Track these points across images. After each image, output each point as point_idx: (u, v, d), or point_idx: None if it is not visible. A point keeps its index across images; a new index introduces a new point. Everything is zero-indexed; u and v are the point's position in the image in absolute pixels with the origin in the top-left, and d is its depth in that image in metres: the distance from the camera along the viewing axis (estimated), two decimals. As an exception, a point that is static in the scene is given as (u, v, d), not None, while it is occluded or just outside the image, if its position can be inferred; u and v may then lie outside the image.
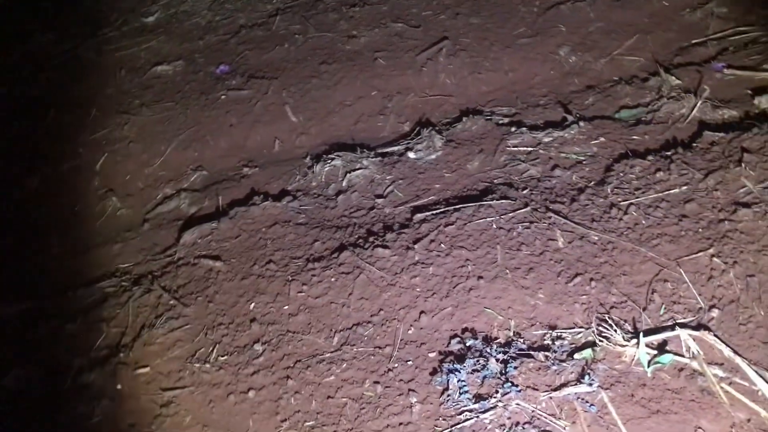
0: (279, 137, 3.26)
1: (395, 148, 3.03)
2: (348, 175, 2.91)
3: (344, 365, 2.21)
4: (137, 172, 3.29)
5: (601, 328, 2.08)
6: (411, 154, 2.96)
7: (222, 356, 2.31)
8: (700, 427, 1.85)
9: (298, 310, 2.40)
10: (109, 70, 3.82)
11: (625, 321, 2.10)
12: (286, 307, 2.41)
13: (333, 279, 2.45)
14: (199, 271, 2.62)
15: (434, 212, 2.60)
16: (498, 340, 2.15)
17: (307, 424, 2.09)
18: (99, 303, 2.61)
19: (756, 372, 1.89)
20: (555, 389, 1.98)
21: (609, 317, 2.11)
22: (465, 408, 2.01)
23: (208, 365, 2.29)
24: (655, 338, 2.01)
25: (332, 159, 2.99)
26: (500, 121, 3.01)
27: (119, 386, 2.30)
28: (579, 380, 1.98)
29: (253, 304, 2.45)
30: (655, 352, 1.99)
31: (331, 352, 2.26)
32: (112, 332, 2.49)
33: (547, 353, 2.07)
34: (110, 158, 3.37)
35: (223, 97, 3.47)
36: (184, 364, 2.32)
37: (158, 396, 2.25)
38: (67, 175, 3.34)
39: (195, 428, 2.15)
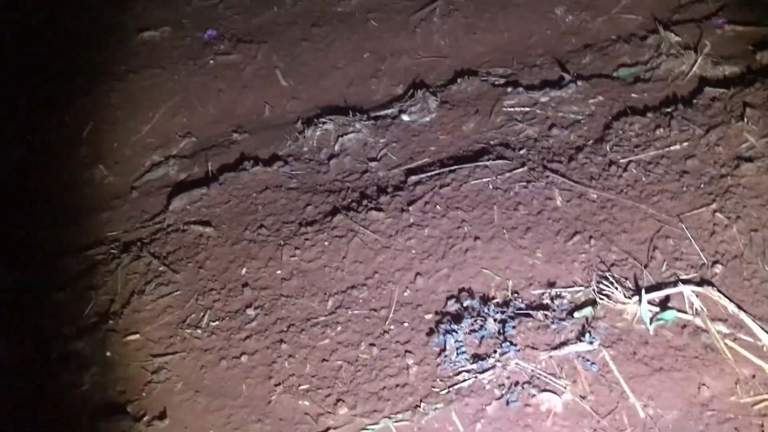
0: (269, 102, 3.19)
1: (388, 111, 2.96)
2: (340, 139, 2.85)
3: (339, 328, 2.16)
4: (125, 139, 3.21)
5: (601, 285, 2.03)
6: (405, 117, 2.89)
7: (213, 322, 2.26)
8: (704, 384, 1.81)
9: (291, 274, 2.34)
10: (94, 37, 3.71)
11: (626, 278, 2.05)
12: (279, 272, 2.36)
13: (326, 243, 2.39)
14: (188, 238, 2.56)
15: (429, 174, 2.54)
16: (496, 300, 2.10)
17: (302, 387, 2.04)
18: (87, 271, 2.55)
19: (761, 327, 1.85)
20: (555, 348, 1.94)
21: (609, 275, 2.06)
22: (462, 368, 1.96)
23: (199, 331, 2.24)
24: (658, 295, 1.96)
25: (324, 123, 2.92)
26: (496, 82, 2.94)
27: (108, 354, 2.25)
28: (579, 339, 1.93)
29: (244, 269, 2.39)
30: (658, 309, 1.94)
31: (326, 315, 2.21)
32: (101, 300, 2.43)
33: (546, 312, 2.02)
34: (97, 126, 3.28)
35: (211, 62, 3.38)
36: (174, 331, 2.26)
37: (149, 363, 2.20)
38: (53, 144, 3.26)
39: (187, 394, 2.10)
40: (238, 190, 2.70)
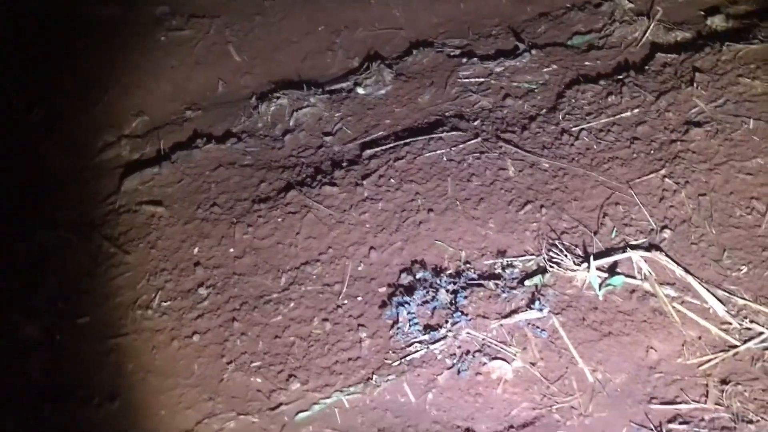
0: (222, 78, 3.13)
1: (344, 85, 2.92)
2: (295, 113, 2.81)
3: (292, 305, 2.15)
4: (76, 119, 3.13)
5: (551, 253, 2.03)
6: (360, 90, 2.86)
7: (165, 302, 2.23)
8: (651, 347, 1.82)
9: (244, 252, 2.31)
10: (43, 14, 3.61)
11: (576, 246, 2.06)
12: (232, 250, 2.33)
13: (280, 219, 2.37)
14: (140, 218, 2.52)
15: (384, 147, 2.52)
16: (448, 271, 2.09)
17: (254, 364, 2.03)
18: (37, 254, 2.50)
19: (707, 290, 1.87)
20: (505, 316, 1.94)
21: (560, 243, 2.06)
22: (415, 340, 1.96)
23: (150, 312, 2.21)
24: (606, 261, 1.97)
25: (278, 98, 2.87)
26: (451, 53, 2.92)
27: (59, 337, 2.21)
28: (529, 306, 1.94)
29: (197, 249, 2.36)
30: (606, 275, 1.95)
31: (279, 292, 2.19)
32: (50, 283, 2.38)
33: (497, 282, 2.02)
34: (47, 106, 3.20)
35: (162, 39, 3.30)
36: (125, 312, 2.23)
37: (99, 345, 2.17)
38: (1, 125, 3.17)
39: (138, 375, 2.07)
40: (191, 168, 2.66)
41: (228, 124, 2.88)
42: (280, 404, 1.94)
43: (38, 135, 3.12)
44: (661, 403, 1.73)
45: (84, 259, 2.43)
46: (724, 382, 1.72)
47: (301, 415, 1.91)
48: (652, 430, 1.69)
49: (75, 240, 2.50)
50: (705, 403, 1.70)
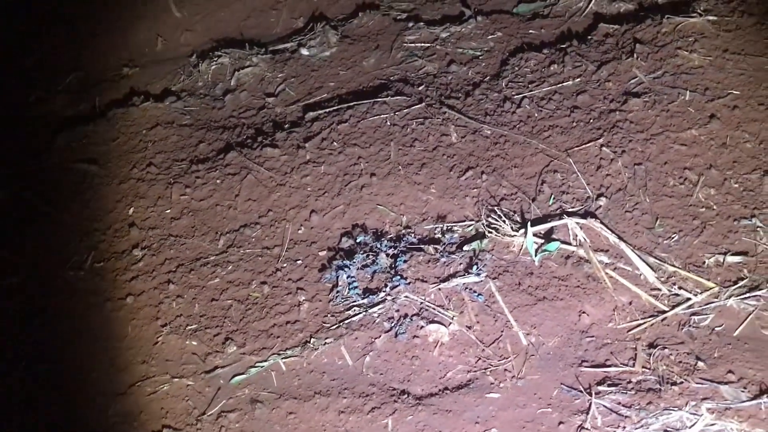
0: (162, 34, 3.03)
1: (287, 45, 2.86)
2: (236, 73, 2.74)
3: (230, 267, 2.12)
4: (8, 73, 3.00)
5: (490, 219, 2.05)
6: (304, 51, 2.81)
7: (98, 263, 2.17)
8: (584, 312, 1.87)
9: (181, 213, 2.27)
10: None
11: (515, 212, 2.08)
12: (168, 211, 2.28)
13: (218, 181, 2.32)
14: (73, 176, 2.44)
15: (327, 110, 2.48)
16: (389, 236, 2.10)
17: (189, 327, 2.00)
18: (-38, 212, 2.40)
19: (639, 256, 1.91)
20: (443, 280, 1.95)
21: (499, 209, 2.08)
22: (354, 303, 1.96)
23: (82, 273, 2.15)
24: (543, 227, 2.00)
25: (219, 57, 2.80)
26: (398, 17, 2.88)
27: (-15, 298, 2.14)
28: (467, 271, 1.95)
29: (132, 209, 2.30)
30: (543, 241, 1.98)
31: (216, 254, 2.15)
32: (-23, 242, 2.29)
33: (436, 246, 2.03)
34: (-25, 59, 3.05)
35: (99, -9, 3.17)
36: (56, 272, 2.16)
37: (29, 305, 2.10)
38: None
39: (69, 337, 2.02)
40: (127, 126, 2.58)
41: (167, 82, 2.80)
42: (216, 367, 1.92)
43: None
44: (592, 366, 1.78)
45: (13, 216, 2.33)
46: (651, 345, 1.78)
47: (237, 377, 1.89)
48: (581, 391, 1.73)
49: (3, 196, 2.40)
50: (633, 366, 1.75)
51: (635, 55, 2.37)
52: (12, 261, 2.22)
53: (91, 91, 2.85)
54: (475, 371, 1.81)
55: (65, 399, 1.92)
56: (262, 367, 1.90)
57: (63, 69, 2.99)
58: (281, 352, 1.92)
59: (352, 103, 2.49)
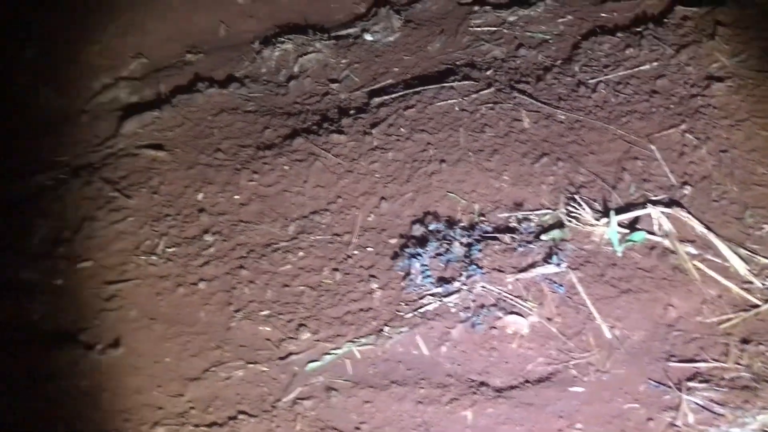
0: (224, 21, 3.01)
1: (350, 30, 2.82)
2: (300, 59, 2.72)
3: (300, 254, 2.10)
4: (72, 61, 3.02)
5: (569, 207, 1.99)
6: (367, 36, 2.77)
7: (169, 248, 2.17)
8: (670, 305, 1.80)
9: (250, 199, 2.25)
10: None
11: (595, 200, 2.02)
12: (237, 197, 2.26)
13: (286, 167, 2.30)
14: (141, 162, 2.44)
15: (393, 96, 2.44)
16: (462, 224, 2.05)
17: (262, 313, 1.99)
18: (34, 197, 2.42)
19: (728, 248, 1.83)
20: (521, 271, 1.90)
21: (578, 197, 2.01)
22: (427, 292, 1.92)
23: (154, 257, 2.15)
24: (626, 216, 1.93)
25: (282, 43, 2.78)
26: (462, 1, 2.82)
27: (59, 281, 2.15)
28: (546, 261, 1.90)
29: (201, 195, 2.29)
30: (626, 230, 1.91)
31: (287, 241, 2.13)
32: (50, 226, 2.31)
33: (513, 235, 1.98)
34: (42, 47, 3.08)
35: (162, -23, 3.17)
36: (128, 257, 2.17)
37: (102, 290, 2.11)
38: (-8, 65, 3.05)
39: (142, 322, 2.02)
40: (192, 112, 2.57)
41: (230, 68, 2.78)
42: (290, 353, 1.90)
43: (31, 75, 3.01)
44: (680, 361, 1.71)
45: (84, 202, 2.35)
46: (744, 341, 1.70)
47: (312, 364, 1.87)
48: (671, 387, 1.67)
49: (74, 183, 2.41)
50: (725, 362, 1.68)
51: (717, 39, 2.27)
52: (84, 246, 2.23)
53: (155, 77, 2.85)
54: (556, 364, 1.76)
55: (140, 384, 1.92)
56: (336, 354, 1.87)
57: (126, 56, 2.99)
58: (355, 340, 1.89)
59: (418, 89, 2.45)
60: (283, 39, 2.79)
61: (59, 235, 2.29)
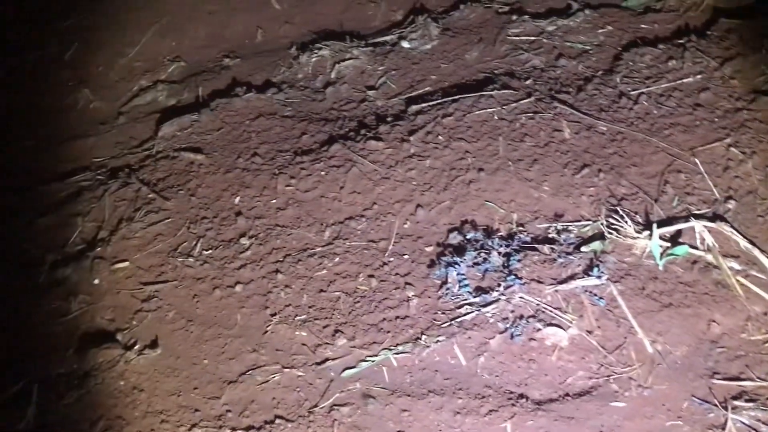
0: (261, 26, 3.04)
1: (387, 38, 2.82)
2: (337, 65, 2.72)
3: (336, 259, 2.09)
4: (110, 63, 3.06)
5: (610, 219, 1.96)
6: (404, 44, 2.76)
7: (206, 250, 2.18)
8: (713, 321, 1.76)
9: (287, 204, 2.26)
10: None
11: (636, 213, 1.99)
12: (274, 201, 2.27)
13: (323, 172, 2.30)
14: (179, 164, 2.46)
15: (431, 103, 2.43)
16: (500, 233, 2.03)
17: (299, 318, 1.98)
18: (73, 197, 2.45)
19: (774, 264, 1.80)
20: (561, 282, 1.88)
21: (619, 209, 1.99)
22: (465, 301, 1.91)
23: (191, 259, 2.16)
24: (668, 230, 1.90)
25: (319, 49, 2.79)
26: (500, 9, 2.81)
27: (97, 281, 2.17)
28: (587, 273, 1.87)
29: (238, 198, 2.30)
30: (668, 244, 1.88)
31: (323, 246, 2.13)
32: (87, 226, 2.34)
33: (552, 246, 1.96)
34: (81, 48, 3.13)
35: (201, -17, 3.20)
36: (165, 259, 2.18)
37: (139, 291, 2.13)
38: (34, 65, 3.10)
39: (179, 323, 2.03)
40: (231, 116, 2.59)
41: (267, 73, 2.80)
42: (326, 359, 1.89)
43: (70, 76, 3.05)
44: (725, 379, 1.68)
45: (121, 204, 2.37)
46: (792, 360, 1.67)
47: (348, 371, 1.86)
48: (715, 405, 1.63)
49: (112, 184, 2.44)
50: (772, 381, 1.64)
51: (763, 51, 2.24)
52: (121, 246, 2.24)
53: (193, 81, 2.88)
54: (597, 378, 1.73)
55: (177, 386, 1.92)
56: (373, 361, 1.86)
57: (164, 59, 3.02)
58: (392, 348, 1.88)
59: (456, 97, 2.44)
60: (320, 45, 2.80)
61: (97, 235, 2.31)
